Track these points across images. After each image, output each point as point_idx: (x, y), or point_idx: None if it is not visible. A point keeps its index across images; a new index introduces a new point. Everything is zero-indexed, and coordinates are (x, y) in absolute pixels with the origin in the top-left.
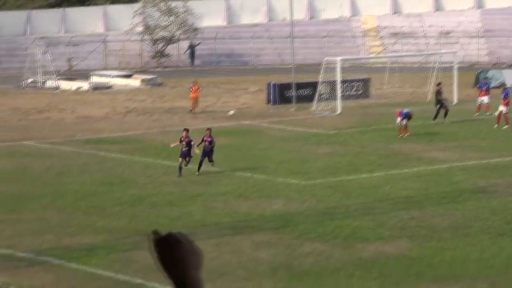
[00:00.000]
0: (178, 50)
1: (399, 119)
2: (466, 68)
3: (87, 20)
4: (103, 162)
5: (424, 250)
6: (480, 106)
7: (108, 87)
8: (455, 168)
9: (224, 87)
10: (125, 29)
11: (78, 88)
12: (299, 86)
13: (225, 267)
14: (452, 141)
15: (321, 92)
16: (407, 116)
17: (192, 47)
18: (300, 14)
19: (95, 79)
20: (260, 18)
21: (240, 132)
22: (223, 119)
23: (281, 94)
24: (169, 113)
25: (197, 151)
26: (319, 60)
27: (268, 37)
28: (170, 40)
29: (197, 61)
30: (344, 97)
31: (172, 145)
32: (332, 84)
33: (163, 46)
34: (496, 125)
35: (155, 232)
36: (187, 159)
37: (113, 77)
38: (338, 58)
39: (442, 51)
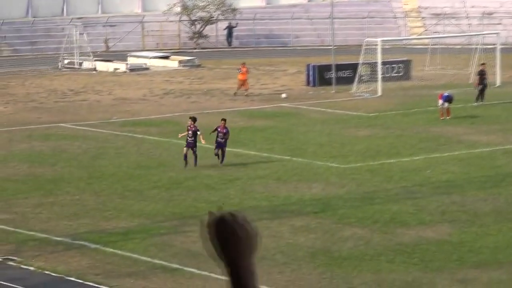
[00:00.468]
0: (216, 31)
1: (440, 101)
2: (509, 49)
3: (124, 1)
4: (140, 144)
5: (466, 235)
6: None
7: (145, 68)
8: (497, 151)
9: (263, 69)
10: (162, 10)
11: (115, 69)
12: (339, 67)
13: (263, 251)
14: (494, 124)
15: (361, 74)
16: (448, 99)
17: (230, 28)
18: None
19: (132, 61)
20: None
21: (279, 114)
22: (262, 101)
23: (320, 76)
24: (207, 95)
25: (203, 141)
26: (359, 41)
27: (308, 18)
28: (208, 21)
29: (235, 42)
30: (385, 79)
31: (180, 135)
32: (373, 65)
33: (201, 27)
34: None
35: (211, 213)
36: (194, 149)
37: (150, 58)
38: (379, 39)
39: (484, 32)
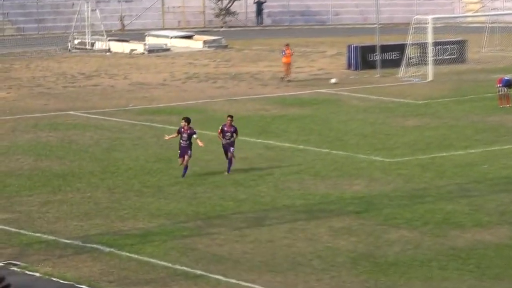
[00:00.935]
0: (245, 7)
1: (499, 86)
2: None
3: None
4: (160, 135)
5: None
6: None
7: (165, 49)
8: None
9: (298, 50)
10: None
11: (132, 50)
12: (385, 48)
13: (299, 256)
14: None
15: (409, 56)
16: (509, 84)
17: (259, 4)
18: None
19: (151, 40)
20: None
21: (316, 101)
22: (297, 87)
23: (363, 58)
24: (235, 80)
25: (201, 144)
26: (407, 19)
27: None
28: None
29: (266, 20)
30: (436, 62)
31: (167, 138)
32: (423, 46)
33: (229, 2)
34: None
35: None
36: (186, 156)
37: (171, 38)
38: (430, 17)
39: None
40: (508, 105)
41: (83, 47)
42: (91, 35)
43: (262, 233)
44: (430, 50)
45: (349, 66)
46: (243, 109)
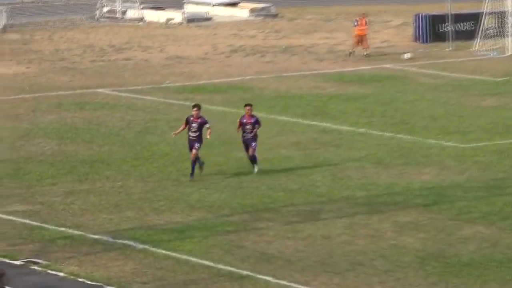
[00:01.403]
0: None
1: None
2: None
3: None
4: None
5: None
6: None
7: (206, 18)
8: None
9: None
10: None
11: (168, 20)
12: (457, 18)
13: (359, 255)
14: None
15: (486, 27)
16: None
17: None
18: None
19: (190, 8)
20: None
21: (379, 78)
22: (357, 61)
23: (433, 29)
24: (286, 53)
25: (208, 136)
26: None
27: None
28: None
29: None
30: None
31: (173, 134)
32: (501, 16)
33: None
34: None
35: None
36: (194, 148)
37: (213, 5)
38: None
39: None
40: None
41: (113, 15)
42: (122, 2)
43: (317, 229)
44: (510, 20)
45: (417, 38)
46: (295, 87)
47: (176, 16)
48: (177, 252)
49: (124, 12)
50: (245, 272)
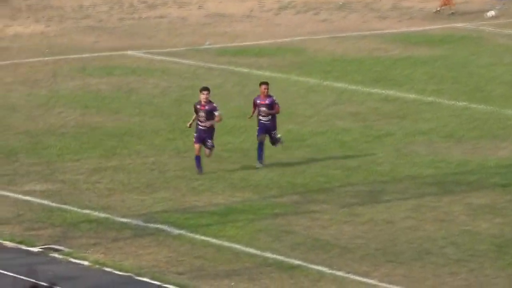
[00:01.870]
0: None
1: None
2: None
3: None
4: (245, 82)
5: None
6: None
7: None
8: None
9: None
10: None
11: None
12: None
13: (427, 242)
14: None
15: None
16: None
17: None
18: None
19: None
20: None
21: (450, 39)
22: (424, 20)
23: None
24: (343, 10)
25: (212, 122)
26: None
27: None
28: None
29: None
30: None
31: (188, 124)
32: None
33: None
34: None
35: None
36: (206, 145)
37: None
38: None
39: None
40: None
41: None
42: None
43: (378, 212)
44: None
45: None
46: (353, 49)
47: None
48: (218, 238)
49: None
50: (295, 262)
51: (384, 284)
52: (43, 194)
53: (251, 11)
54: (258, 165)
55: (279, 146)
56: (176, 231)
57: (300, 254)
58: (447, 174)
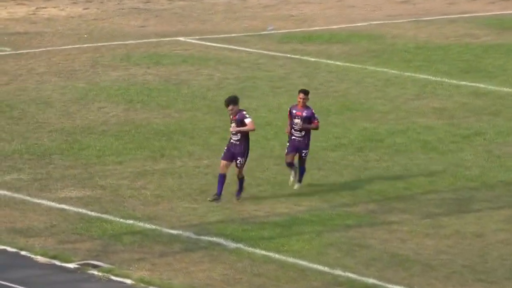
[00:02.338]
0: None
1: None
2: None
3: None
4: (313, 73)
5: None
6: None
7: None
8: None
9: None
10: None
11: None
12: None
13: None
14: None
15: None
16: None
17: None
18: None
19: None
20: None
21: None
22: None
23: None
24: None
25: (235, 129)
26: None
27: None
28: None
29: None
30: None
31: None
32: None
33: None
34: None
35: None
36: (237, 162)
37: None
38: None
39: None
40: None
41: None
42: None
43: (466, 224)
44: None
45: None
46: (438, 35)
47: None
48: (281, 253)
49: None
50: (370, 280)
51: None
52: (80, 201)
53: None
54: (296, 186)
55: (296, 186)
56: (233, 245)
57: (375, 271)
58: None
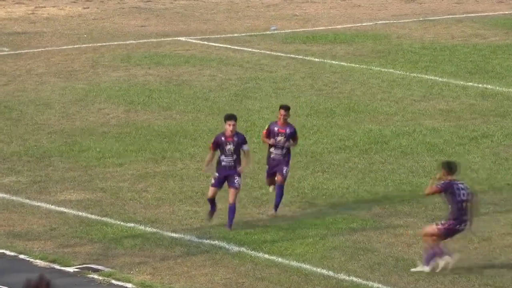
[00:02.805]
0: None
1: None
2: None
3: None
4: (317, 75)
5: None
6: None
7: None
8: None
9: None
10: None
11: None
12: None
13: None
14: None
15: None
16: None
17: None
18: None
19: None
20: None
21: None
22: None
23: None
24: None
25: (240, 168)
26: None
27: None
28: None
29: None
30: None
31: (204, 169)
32: None
33: None
34: None
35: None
36: (233, 185)
37: None
38: None
39: None
40: None
41: None
42: None
43: (473, 227)
44: None
45: None
46: (445, 35)
47: None
48: (284, 257)
49: None
50: (375, 285)
51: None
52: (80, 204)
53: None
54: (274, 210)
55: (272, 213)
56: (236, 249)
57: (380, 276)
58: None
